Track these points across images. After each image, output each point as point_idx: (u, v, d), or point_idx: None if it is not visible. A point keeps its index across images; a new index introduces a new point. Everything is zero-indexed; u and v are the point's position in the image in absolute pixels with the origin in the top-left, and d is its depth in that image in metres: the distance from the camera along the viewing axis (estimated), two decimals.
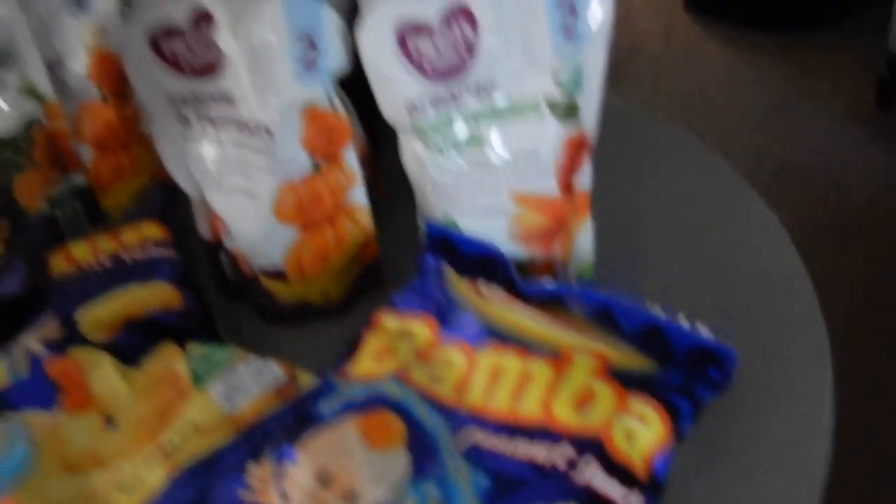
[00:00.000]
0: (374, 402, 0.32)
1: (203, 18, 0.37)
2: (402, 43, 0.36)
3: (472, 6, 0.35)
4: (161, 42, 0.38)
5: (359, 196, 0.43)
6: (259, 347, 0.40)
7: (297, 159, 0.40)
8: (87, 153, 0.50)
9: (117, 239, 0.44)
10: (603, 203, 0.44)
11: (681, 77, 2.82)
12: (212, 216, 0.44)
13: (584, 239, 0.43)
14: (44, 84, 0.46)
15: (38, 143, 0.47)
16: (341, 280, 0.45)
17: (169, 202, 0.51)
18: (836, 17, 3.01)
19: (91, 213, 0.51)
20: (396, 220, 0.47)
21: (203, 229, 0.45)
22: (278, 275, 0.43)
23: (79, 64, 0.48)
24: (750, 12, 3.10)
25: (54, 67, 0.48)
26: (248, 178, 0.41)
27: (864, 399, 1.32)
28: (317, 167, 0.41)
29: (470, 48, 0.36)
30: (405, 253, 0.46)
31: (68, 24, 0.47)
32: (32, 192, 0.48)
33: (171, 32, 0.38)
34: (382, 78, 0.37)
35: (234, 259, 0.45)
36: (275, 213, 0.41)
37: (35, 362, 0.35)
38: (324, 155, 0.41)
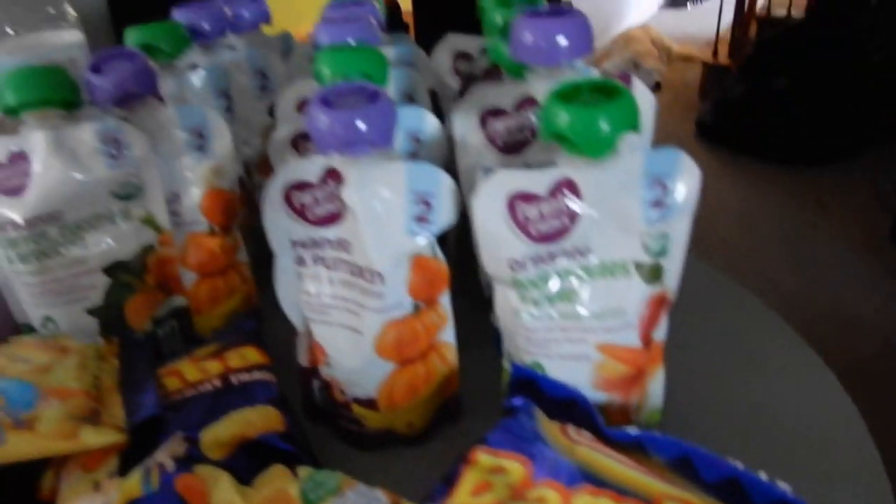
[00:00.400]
0: None
1: (333, 175, 0.42)
2: (512, 209, 0.41)
3: (578, 181, 0.40)
4: (292, 194, 0.43)
5: (448, 335, 0.47)
6: (342, 470, 0.43)
7: (402, 302, 0.44)
8: (188, 277, 0.55)
9: (223, 361, 0.48)
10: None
11: None
12: (313, 346, 0.48)
13: (656, 386, 0.47)
14: (162, 216, 0.51)
15: (150, 268, 0.52)
16: (425, 411, 0.49)
17: (259, 327, 0.55)
18: (850, 151, 3.15)
19: (185, 333, 0.55)
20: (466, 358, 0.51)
21: (301, 356, 0.49)
22: (370, 403, 0.47)
23: (193, 198, 0.53)
24: (762, 146, 3.24)
25: (171, 200, 0.53)
26: (355, 316, 0.45)
27: None
28: (417, 309, 0.45)
29: (572, 216, 0.40)
30: (475, 389, 0.50)
31: (189, 164, 0.52)
32: (141, 312, 0.52)
33: (302, 186, 0.43)
34: (490, 238, 0.42)
35: (327, 386, 0.48)
36: (376, 349, 0.45)
37: (166, 478, 0.38)
38: (424, 299, 0.45)
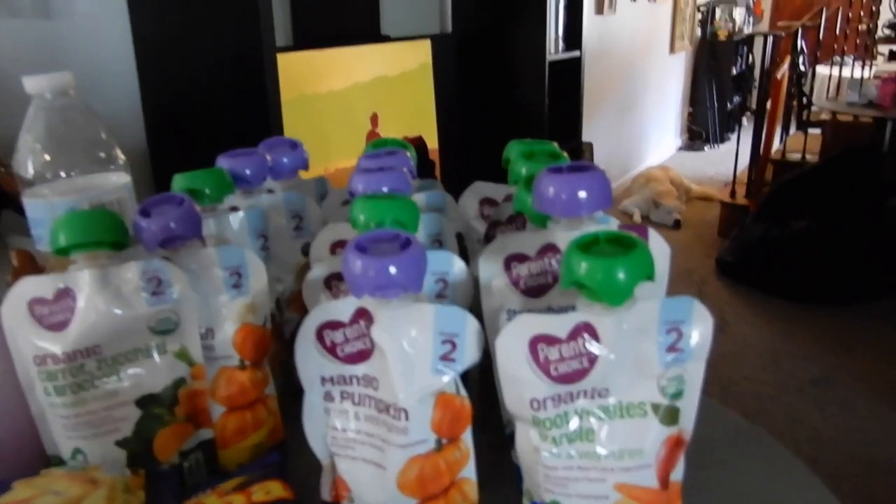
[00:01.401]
0: None
1: (363, 315, 0.45)
2: (534, 350, 0.43)
3: (597, 326, 0.42)
4: (325, 332, 0.45)
5: (470, 472, 0.48)
6: None
7: (426, 438, 0.46)
8: (217, 410, 0.56)
9: (247, 495, 0.49)
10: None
11: (715, 343, 2.91)
12: (337, 480, 0.49)
13: None
14: (196, 350, 0.53)
15: (181, 401, 0.53)
16: None
17: (284, 461, 0.56)
18: (870, 295, 3.15)
19: (209, 465, 0.56)
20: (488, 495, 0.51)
21: (325, 491, 0.50)
22: None
23: (227, 333, 0.56)
24: (784, 285, 3.26)
25: (205, 335, 0.55)
26: (380, 451, 0.46)
27: None
28: (440, 445, 0.46)
29: (591, 359, 0.42)
30: None
31: (225, 301, 0.55)
32: (169, 445, 0.53)
33: (334, 325, 0.45)
34: (512, 377, 0.43)
35: None
36: (399, 484, 0.46)
37: None
38: (447, 435, 0.46)
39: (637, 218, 4.27)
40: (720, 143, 6.26)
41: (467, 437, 0.48)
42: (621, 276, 0.40)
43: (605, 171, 0.49)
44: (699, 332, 0.43)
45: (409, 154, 0.63)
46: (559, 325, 0.42)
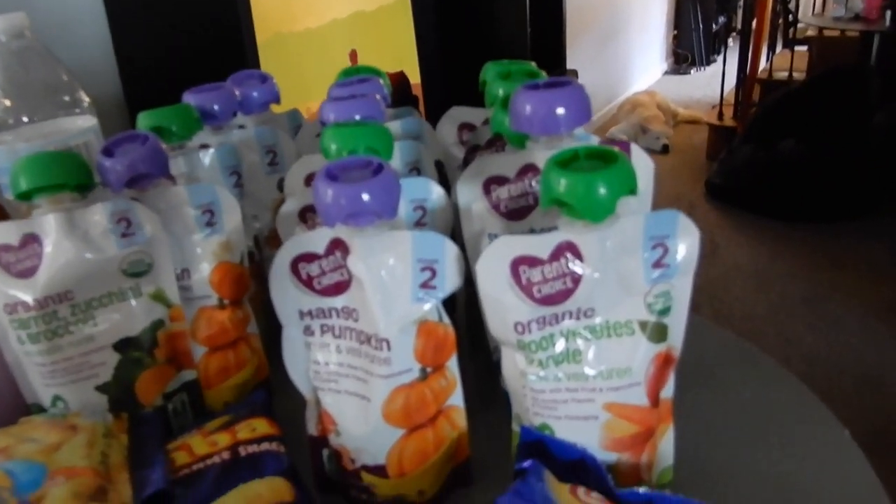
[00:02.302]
0: None
1: (338, 246, 0.43)
2: (515, 273, 0.41)
3: (579, 244, 0.41)
4: (300, 265, 0.44)
5: (457, 400, 0.48)
6: None
7: (409, 367, 0.45)
8: (199, 351, 0.55)
9: (232, 434, 0.48)
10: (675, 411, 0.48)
11: (705, 267, 2.92)
12: (322, 415, 0.48)
13: (666, 445, 0.46)
14: (173, 291, 0.52)
15: (161, 344, 0.52)
16: (436, 477, 0.48)
17: (269, 399, 0.55)
18: (858, 211, 3.15)
19: (195, 407, 0.55)
20: (478, 421, 0.50)
21: (311, 426, 0.49)
22: (380, 471, 0.47)
23: (203, 273, 0.54)
24: (773, 205, 3.25)
25: (181, 276, 0.53)
26: (363, 383, 0.45)
27: None
28: (424, 374, 0.45)
29: (574, 279, 0.41)
30: (487, 453, 0.50)
31: (199, 240, 0.53)
32: (151, 388, 0.53)
33: (309, 258, 0.44)
34: (494, 302, 0.42)
35: (337, 455, 0.48)
36: (384, 415, 0.45)
37: None
38: (431, 364, 0.46)
39: None
40: (706, 66, 6.18)
41: (452, 365, 0.47)
42: (602, 191, 0.38)
43: (583, 85, 0.47)
44: (685, 246, 0.42)
45: (382, 81, 0.61)
46: (540, 245, 0.41)
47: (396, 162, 0.56)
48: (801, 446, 0.52)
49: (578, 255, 0.41)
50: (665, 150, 4.13)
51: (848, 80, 3.28)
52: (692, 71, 6.18)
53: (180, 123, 0.58)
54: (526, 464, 0.43)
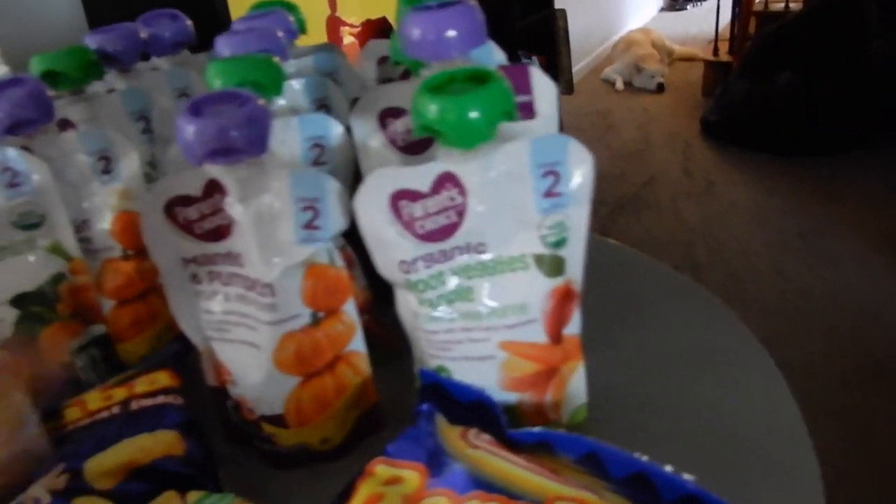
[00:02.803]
0: None
1: (215, 188, 0.41)
2: (396, 208, 0.39)
3: (460, 174, 0.38)
4: (176, 209, 0.42)
5: (358, 345, 0.46)
6: (262, 492, 0.41)
7: (298, 313, 0.43)
8: (107, 305, 0.54)
9: (130, 388, 0.46)
10: (599, 348, 0.46)
11: (702, 204, 2.88)
12: (217, 365, 0.46)
13: (577, 384, 0.44)
14: (70, 243, 0.50)
15: (63, 298, 0.51)
16: (341, 425, 0.47)
17: (185, 350, 0.53)
18: (855, 144, 3.10)
19: (109, 362, 0.54)
20: (403, 366, 0.49)
21: (209, 377, 0.48)
22: (279, 420, 0.45)
23: (103, 224, 0.52)
24: (765, 139, 3.20)
25: (81, 227, 0.51)
26: (253, 331, 0.43)
27: None
28: (316, 319, 0.43)
29: (459, 212, 0.39)
30: (408, 398, 0.48)
31: (96, 189, 0.51)
32: (57, 343, 0.51)
33: (185, 201, 0.42)
34: (376, 239, 0.40)
35: (237, 405, 0.47)
36: (275, 363, 0.43)
37: None
38: (324, 308, 0.44)
39: (619, 85, 4.16)
40: (702, 0, 6.04)
41: (349, 309, 0.45)
42: (473, 115, 0.36)
43: (476, 5, 0.44)
44: (579, 173, 0.39)
45: (291, 17, 0.58)
46: (420, 177, 0.39)
47: (302, 99, 0.53)
48: (728, 377, 0.50)
49: (460, 187, 0.38)
50: (660, 88, 4.06)
51: (844, 10, 3.18)
52: (688, 6, 6.05)
53: (75, 66, 0.55)
54: (423, 408, 0.42)
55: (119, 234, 0.52)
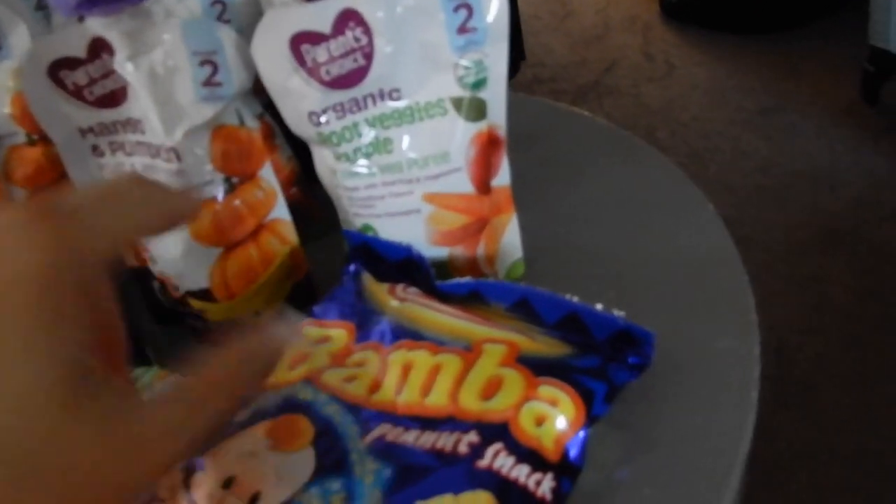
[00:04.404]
0: (283, 407, 0.32)
1: (101, 47, 0.38)
2: (297, 53, 0.36)
3: (363, 11, 0.35)
4: (62, 74, 0.39)
5: (281, 212, 0.43)
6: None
7: (210, 179, 0.40)
8: (19, 194, 0.51)
9: None
10: (538, 202, 0.44)
11: (663, 86, 2.84)
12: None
13: (510, 237, 0.43)
14: None
15: None
16: (272, 297, 0.45)
17: None
18: (815, 15, 3.05)
19: None
20: (336, 239, 0.47)
21: (129, 257, 0.45)
22: (205, 295, 0.43)
23: (2, 107, 0.49)
24: (726, 17, 3.14)
25: None
26: None
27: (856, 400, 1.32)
28: (231, 186, 0.41)
29: (367, 55, 0.36)
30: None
31: None
32: None
33: (70, 63, 0.38)
34: (281, 90, 0.37)
35: (161, 283, 0.45)
36: (192, 234, 0.41)
37: None
38: (239, 173, 0.41)
39: None
40: None
41: (267, 174, 0.42)
42: None
43: None
44: (494, 4, 0.36)
45: None
46: (319, 17, 0.36)
47: None
48: (665, 223, 0.48)
49: (364, 25, 0.36)
50: None
51: None
52: None
53: None
54: (349, 268, 0.40)
55: (20, 117, 0.49)
